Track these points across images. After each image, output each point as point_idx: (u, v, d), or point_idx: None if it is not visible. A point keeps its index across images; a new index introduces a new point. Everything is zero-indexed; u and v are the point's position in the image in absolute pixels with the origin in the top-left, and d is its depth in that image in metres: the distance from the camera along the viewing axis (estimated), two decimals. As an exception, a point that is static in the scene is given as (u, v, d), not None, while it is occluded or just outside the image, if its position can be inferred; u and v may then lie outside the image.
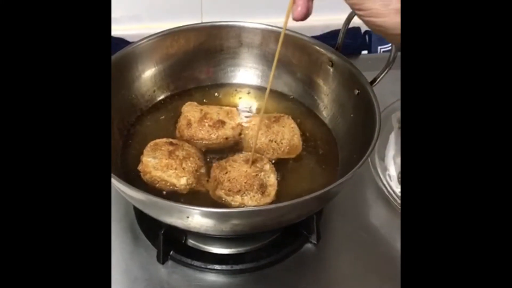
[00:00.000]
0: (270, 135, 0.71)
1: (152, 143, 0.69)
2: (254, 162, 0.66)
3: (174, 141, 0.69)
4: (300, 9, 0.54)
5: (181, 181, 0.65)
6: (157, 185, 0.66)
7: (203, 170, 0.67)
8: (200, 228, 0.56)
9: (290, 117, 0.74)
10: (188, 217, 0.54)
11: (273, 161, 0.70)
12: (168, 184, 0.65)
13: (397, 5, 0.49)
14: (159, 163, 0.65)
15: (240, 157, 0.68)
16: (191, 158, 0.66)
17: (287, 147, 0.71)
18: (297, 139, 0.72)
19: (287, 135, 0.71)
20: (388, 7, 0.49)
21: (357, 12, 0.51)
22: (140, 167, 0.67)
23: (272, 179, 0.66)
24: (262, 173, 0.66)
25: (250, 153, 0.67)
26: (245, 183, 0.64)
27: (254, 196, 0.64)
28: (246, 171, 0.65)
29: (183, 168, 0.65)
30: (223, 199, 0.64)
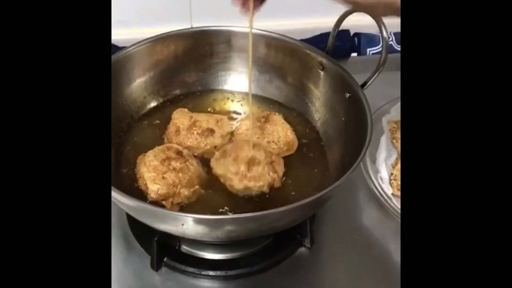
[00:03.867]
0: (266, 137, 0.71)
1: (167, 145, 0.69)
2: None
3: (185, 153, 0.68)
4: None
5: (152, 187, 0.64)
6: (139, 181, 0.67)
7: (186, 192, 0.65)
8: (196, 235, 0.56)
9: (277, 114, 0.75)
10: (183, 225, 0.54)
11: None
12: (144, 183, 0.65)
13: None
14: (151, 161, 0.65)
15: (229, 150, 0.68)
16: (180, 174, 0.65)
17: (285, 145, 0.72)
18: (291, 134, 0.73)
19: (282, 132, 0.72)
20: None
21: None
22: (139, 157, 0.68)
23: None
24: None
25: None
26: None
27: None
28: (253, 147, 0.67)
29: (163, 177, 0.64)
30: (270, 174, 0.66)
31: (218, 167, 0.67)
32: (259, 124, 0.73)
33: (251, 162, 0.65)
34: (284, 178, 0.69)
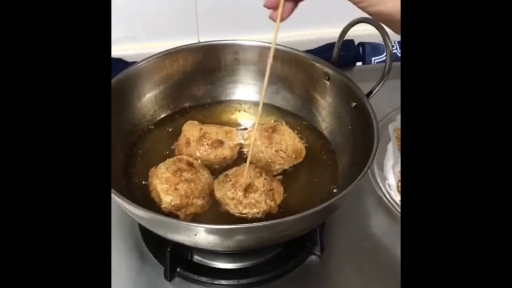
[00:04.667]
0: (274, 146, 0.72)
1: (178, 157, 0.70)
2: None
3: (195, 163, 0.69)
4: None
5: (166, 198, 0.65)
6: (152, 193, 0.68)
7: (199, 202, 0.66)
8: (208, 245, 0.57)
9: (284, 123, 0.76)
10: (195, 235, 0.55)
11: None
12: (157, 195, 0.66)
13: None
14: (163, 173, 0.67)
15: (231, 174, 0.69)
16: (191, 184, 0.66)
17: (293, 153, 0.73)
18: (299, 143, 0.74)
19: (290, 141, 0.73)
20: None
21: (357, 4, 0.52)
22: (151, 170, 0.69)
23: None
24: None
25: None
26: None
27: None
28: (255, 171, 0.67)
29: (176, 189, 0.65)
30: (267, 202, 0.66)
31: (218, 191, 0.68)
32: (266, 134, 0.74)
33: (248, 189, 0.66)
34: (286, 194, 0.70)
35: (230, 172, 0.69)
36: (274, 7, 0.55)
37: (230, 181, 0.67)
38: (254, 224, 0.54)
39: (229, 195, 0.66)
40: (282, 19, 0.56)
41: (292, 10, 0.57)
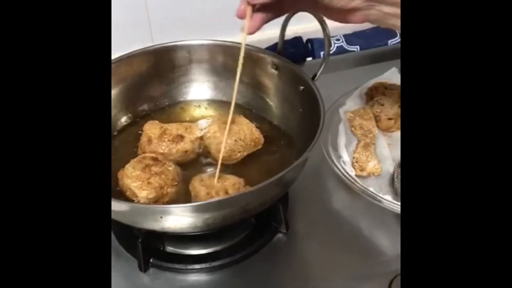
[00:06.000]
0: (233, 136, 0.76)
1: (141, 156, 0.73)
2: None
3: (160, 158, 0.72)
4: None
5: (142, 193, 0.68)
6: (126, 193, 0.70)
7: (173, 190, 0.70)
8: (175, 227, 0.60)
9: (241, 116, 0.80)
10: (161, 217, 0.58)
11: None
12: (132, 193, 0.69)
13: None
14: (132, 172, 0.69)
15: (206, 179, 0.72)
16: (162, 176, 0.69)
17: (252, 141, 0.77)
18: (256, 132, 0.79)
19: (247, 131, 0.77)
20: None
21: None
22: (119, 173, 0.71)
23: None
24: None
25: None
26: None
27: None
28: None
29: (149, 183, 0.68)
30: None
31: (193, 189, 0.71)
32: (225, 126, 0.78)
33: (221, 193, 0.68)
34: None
35: (205, 176, 0.72)
36: (243, 17, 0.60)
37: (205, 184, 0.70)
38: (213, 200, 0.58)
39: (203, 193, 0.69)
40: (251, 32, 0.62)
41: (262, 23, 0.63)
